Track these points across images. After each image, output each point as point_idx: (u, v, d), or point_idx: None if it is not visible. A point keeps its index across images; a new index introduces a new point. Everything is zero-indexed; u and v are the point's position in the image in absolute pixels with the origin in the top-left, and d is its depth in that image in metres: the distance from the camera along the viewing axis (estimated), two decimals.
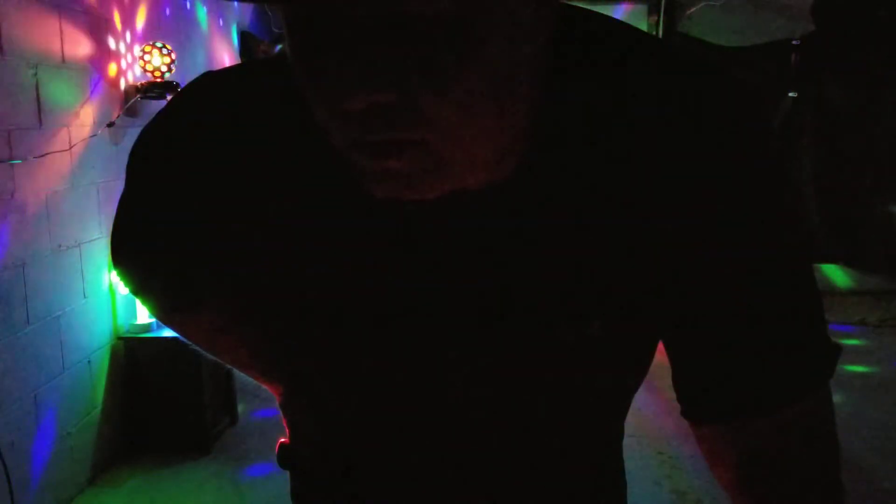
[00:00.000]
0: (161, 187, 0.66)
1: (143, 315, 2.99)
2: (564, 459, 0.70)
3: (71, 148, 2.62)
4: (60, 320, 2.59)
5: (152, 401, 2.99)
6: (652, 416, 3.10)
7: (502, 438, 0.66)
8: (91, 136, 2.75)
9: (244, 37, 4.33)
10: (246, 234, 0.64)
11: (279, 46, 4.43)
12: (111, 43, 2.93)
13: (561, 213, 0.57)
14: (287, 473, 0.80)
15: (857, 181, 5.11)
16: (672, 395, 0.64)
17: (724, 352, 0.59)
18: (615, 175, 0.56)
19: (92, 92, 2.77)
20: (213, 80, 0.65)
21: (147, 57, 3.00)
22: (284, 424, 0.79)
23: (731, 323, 0.58)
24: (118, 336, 2.96)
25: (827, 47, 4.79)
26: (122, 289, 2.93)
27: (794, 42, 4.86)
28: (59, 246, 2.59)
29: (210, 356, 0.80)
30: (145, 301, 0.76)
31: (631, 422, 0.71)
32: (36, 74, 2.43)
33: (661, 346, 0.64)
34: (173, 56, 3.04)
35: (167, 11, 3.39)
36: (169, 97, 3.13)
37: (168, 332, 2.98)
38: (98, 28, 2.83)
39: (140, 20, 3.16)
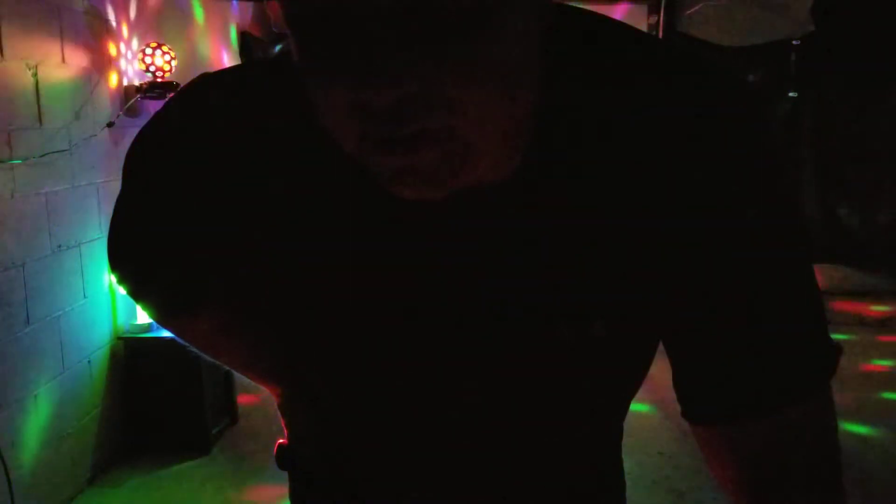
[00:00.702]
0: (158, 190, 0.65)
1: (143, 315, 2.99)
2: (564, 459, 0.70)
3: (71, 148, 2.62)
4: (60, 320, 2.59)
5: (152, 401, 2.99)
6: (652, 416, 3.10)
7: (502, 438, 0.66)
8: (91, 136, 2.75)
9: (243, 37, 4.33)
10: (244, 236, 0.64)
11: (278, 47, 4.43)
12: (111, 43, 2.93)
13: (561, 212, 0.57)
14: (286, 474, 0.80)
15: (857, 181, 5.11)
16: (672, 395, 0.64)
17: (724, 352, 0.59)
18: (615, 174, 0.56)
19: (92, 92, 2.77)
20: (209, 82, 0.65)
21: (147, 57, 3.00)
22: (283, 425, 0.79)
23: (731, 323, 0.58)
24: (118, 336, 2.96)
25: (827, 47, 4.79)
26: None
27: (794, 42, 4.86)
28: (59, 246, 2.59)
29: (209, 358, 0.79)
30: (143, 304, 0.76)
31: (631, 421, 0.71)
32: (36, 74, 2.43)
33: (661, 346, 0.64)
34: (173, 56, 3.04)
35: (167, 11, 3.39)
36: (169, 97, 3.13)
37: (168, 333, 2.97)
38: (98, 28, 2.83)
39: (140, 20, 3.16)
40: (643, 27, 4.84)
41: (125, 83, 3.01)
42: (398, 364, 0.64)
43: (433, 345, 0.62)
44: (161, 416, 3.00)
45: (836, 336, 0.59)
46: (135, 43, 3.10)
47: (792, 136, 4.98)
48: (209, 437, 3.02)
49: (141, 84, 3.02)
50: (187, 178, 0.63)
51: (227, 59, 4.12)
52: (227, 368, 0.81)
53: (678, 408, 0.64)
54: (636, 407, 0.71)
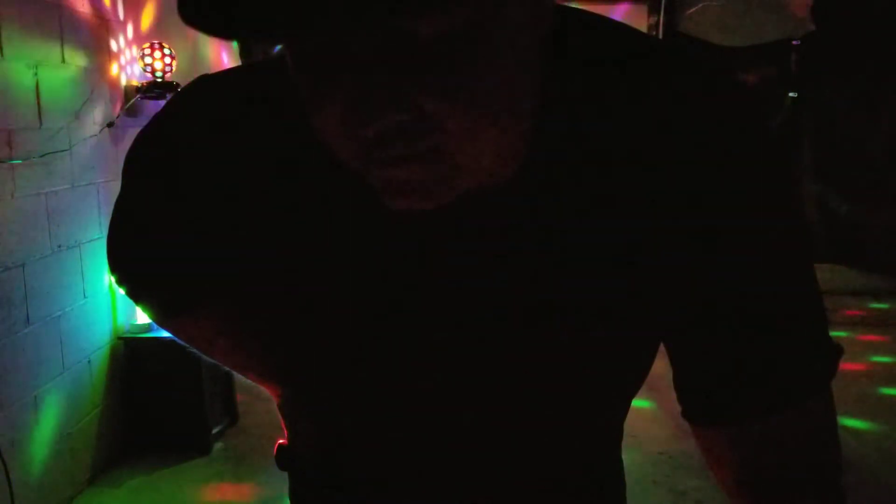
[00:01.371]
0: (157, 191, 0.65)
1: (143, 315, 2.98)
2: (564, 459, 0.70)
3: (71, 148, 2.62)
4: (60, 320, 2.59)
5: (152, 401, 2.99)
6: (652, 416, 3.10)
7: (502, 438, 0.66)
8: (91, 136, 2.75)
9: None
10: (243, 237, 0.64)
11: (278, 47, 4.42)
12: (111, 43, 2.93)
13: (562, 214, 0.57)
14: (286, 474, 0.80)
15: (857, 181, 5.12)
16: (672, 395, 0.64)
17: (725, 353, 0.59)
18: (616, 175, 0.56)
19: (92, 92, 2.77)
20: (208, 83, 0.65)
21: (147, 57, 3.00)
22: (283, 425, 0.79)
23: (731, 323, 0.58)
24: (118, 336, 2.96)
25: (827, 47, 4.79)
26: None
27: (794, 42, 4.86)
28: (59, 246, 2.59)
29: (208, 359, 0.79)
30: (142, 305, 0.76)
31: (631, 422, 0.71)
32: (36, 74, 2.43)
33: (661, 346, 0.64)
34: (173, 56, 3.04)
35: (167, 11, 3.39)
36: (169, 97, 3.12)
37: (168, 333, 2.97)
38: (98, 28, 2.83)
39: (140, 20, 3.16)
40: (643, 27, 4.84)
41: (125, 83, 3.01)
42: (398, 365, 0.64)
43: (433, 346, 0.62)
44: (161, 416, 3.00)
45: (836, 334, 0.59)
46: (135, 43, 3.10)
47: (792, 136, 4.98)
48: (209, 437, 3.02)
49: (141, 84, 3.02)
50: (186, 180, 0.63)
51: (227, 59, 4.12)
52: (227, 369, 0.81)
53: (678, 407, 0.64)
54: (636, 405, 0.71)
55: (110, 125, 2.88)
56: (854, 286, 5.02)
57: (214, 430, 3.07)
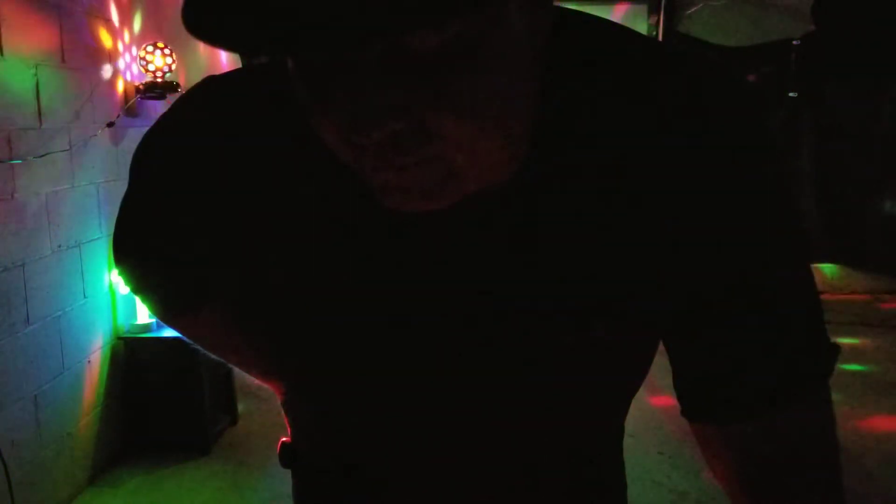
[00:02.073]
0: (163, 189, 0.66)
1: (143, 315, 2.99)
2: (565, 459, 0.70)
3: (71, 148, 2.62)
4: (60, 320, 2.59)
5: (152, 401, 2.99)
6: (652, 416, 3.10)
7: (503, 437, 0.66)
8: (91, 136, 2.75)
9: None
10: (248, 235, 0.64)
11: None
12: (111, 43, 2.93)
13: (562, 214, 0.57)
14: (288, 473, 0.81)
15: (857, 181, 5.12)
16: (672, 394, 0.64)
17: (723, 352, 0.59)
18: (615, 176, 0.56)
19: (92, 92, 2.77)
20: (216, 83, 0.66)
21: (147, 57, 3.00)
22: (286, 423, 0.79)
23: (730, 323, 0.58)
24: (118, 336, 2.97)
25: (827, 47, 4.80)
26: (123, 289, 2.93)
27: (794, 42, 4.86)
28: (59, 246, 2.59)
29: (211, 355, 0.80)
30: (147, 301, 0.76)
31: (631, 422, 0.71)
32: (36, 74, 2.43)
33: (661, 345, 0.64)
34: (173, 56, 3.04)
35: (167, 11, 3.39)
36: (169, 97, 3.14)
37: (168, 332, 2.99)
38: (98, 28, 2.83)
39: (140, 20, 3.16)
40: (643, 27, 4.84)
41: (125, 83, 3.01)
42: (400, 364, 0.64)
43: (434, 345, 0.62)
44: (161, 416, 3.00)
45: (835, 334, 0.59)
46: (135, 43, 3.10)
47: (792, 136, 4.99)
48: (209, 437, 3.02)
49: (141, 84, 3.02)
50: (192, 178, 0.64)
51: (227, 59, 4.12)
52: (230, 366, 0.81)
53: (678, 407, 0.64)
54: (636, 406, 0.71)
55: (110, 125, 2.88)
56: (854, 286, 5.02)
57: (214, 430, 3.07)
